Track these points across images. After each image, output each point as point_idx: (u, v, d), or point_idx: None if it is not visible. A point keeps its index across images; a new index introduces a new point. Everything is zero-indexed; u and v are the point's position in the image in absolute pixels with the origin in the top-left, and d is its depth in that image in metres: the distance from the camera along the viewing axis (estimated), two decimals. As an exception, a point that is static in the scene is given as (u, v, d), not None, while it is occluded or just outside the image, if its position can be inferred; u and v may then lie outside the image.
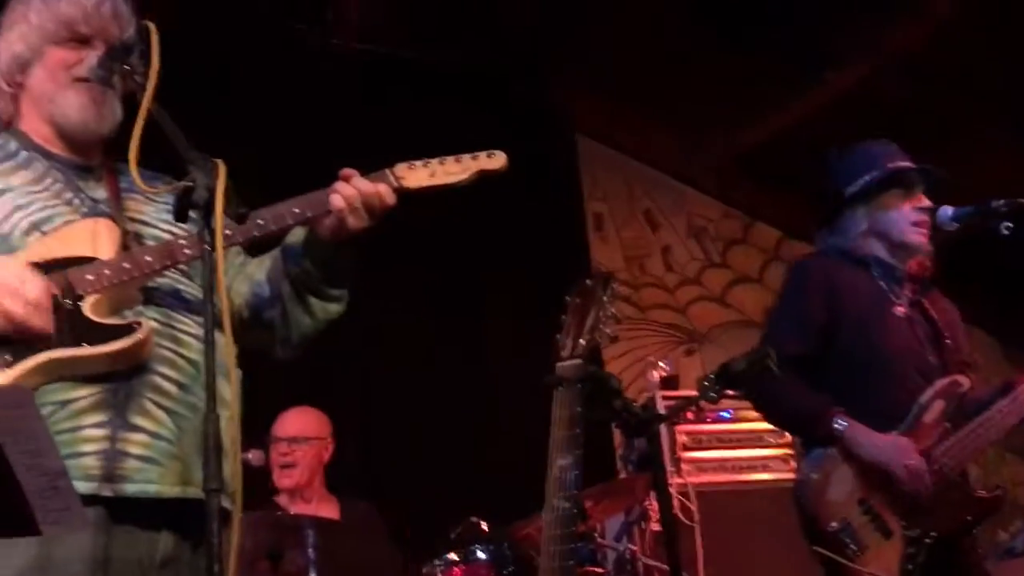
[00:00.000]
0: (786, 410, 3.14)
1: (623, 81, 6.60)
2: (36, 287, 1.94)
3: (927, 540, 2.87)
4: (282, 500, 4.23)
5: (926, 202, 3.12)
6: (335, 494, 4.37)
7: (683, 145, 7.12)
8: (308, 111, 5.68)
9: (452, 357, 5.88)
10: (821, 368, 3.09)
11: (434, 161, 2.19)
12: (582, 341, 2.11)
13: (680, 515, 4.53)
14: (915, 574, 2.84)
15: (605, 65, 6.42)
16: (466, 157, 2.20)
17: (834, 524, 2.88)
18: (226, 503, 1.84)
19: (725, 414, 4.93)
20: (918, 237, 3.10)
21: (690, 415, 4.93)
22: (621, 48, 6.21)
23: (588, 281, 2.20)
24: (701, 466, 4.82)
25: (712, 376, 2.07)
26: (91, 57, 2.17)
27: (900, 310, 3.10)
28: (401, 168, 2.19)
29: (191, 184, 1.83)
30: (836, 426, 2.93)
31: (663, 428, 4.83)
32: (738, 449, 4.90)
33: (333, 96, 5.80)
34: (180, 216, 1.87)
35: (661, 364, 5.02)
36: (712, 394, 2.05)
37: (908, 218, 3.10)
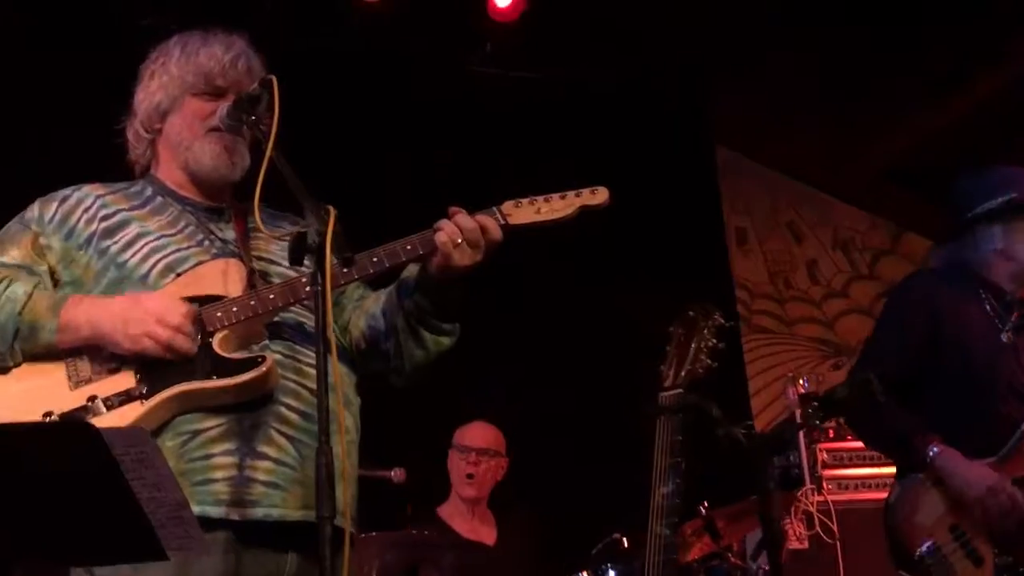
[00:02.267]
0: (881, 433, 3.11)
1: (766, 92, 6.52)
2: (179, 313, 2.11)
3: (1021, 569, 2.80)
4: (445, 512, 4.36)
5: None
6: (496, 517, 4.50)
7: (828, 155, 6.98)
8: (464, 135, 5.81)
9: (595, 374, 5.91)
10: (919, 390, 3.05)
11: (540, 198, 2.27)
12: (684, 371, 2.14)
13: (821, 533, 4.47)
14: None
15: (746, 76, 6.36)
16: (570, 194, 2.28)
17: (923, 549, 2.83)
18: (350, 527, 1.96)
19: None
20: None
21: (832, 432, 4.85)
22: (763, 58, 6.14)
23: (691, 312, 2.23)
24: (842, 483, 4.73)
25: (816, 403, 2.07)
26: (222, 108, 2.32)
27: (1005, 336, 3.01)
28: (508, 205, 2.27)
29: (304, 231, 1.95)
30: (929, 452, 2.88)
31: (803, 445, 4.77)
32: (879, 467, 4.78)
33: (488, 121, 5.93)
34: (295, 260, 2.00)
35: (800, 381, 4.95)
36: (816, 421, 2.05)
37: None
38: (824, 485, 4.69)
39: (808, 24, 5.87)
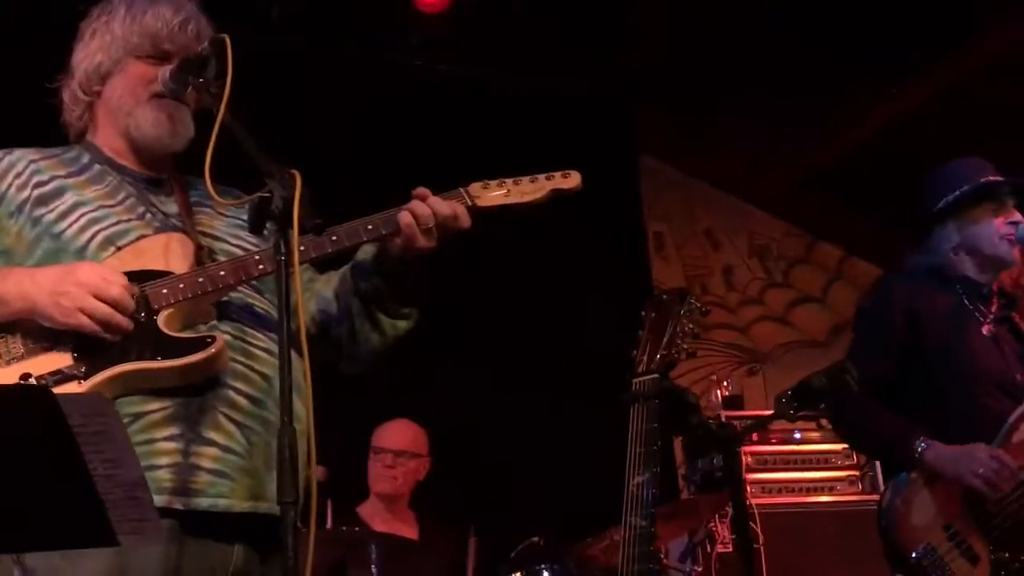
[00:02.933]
0: (868, 434, 3.10)
1: (686, 100, 6.55)
2: (117, 285, 1.95)
3: (1016, 565, 2.79)
4: (365, 511, 4.23)
5: (1018, 216, 3.06)
6: (416, 514, 4.38)
7: (746, 164, 7.05)
8: (389, 130, 5.70)
9: (514, 378, 5.85)
10: (902, 391, 3.04)
11: (508, 181, 2.19)
12: (658, 356, 2.07)
13: (744, 537, 4.46)
14: None
15: (669, 86, 6.38)
16: (541, 177, 2.20)
17: (918, 551, 2.82)
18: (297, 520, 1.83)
19: (796, 435, 4.85)
20: (1008, 252, 3.04)
21: (756, 436, 4.86)
22: (685, 68, 6.16)
23: (664, 296, 2.16)
24: (766, 487, 4.75)
25: (790, 392, 2.02)
26: (165, 70, 2.17)
27: (986, 329, 3.03)
28: (475, 187, 2.18)
29: (267, 195, 1.82)
30: (918, 448, 2.87)
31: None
32: (804, 471, 4.82)
33: (412, 115, 5.83)
34: (256, 227, 1.87)
35: (724, 383, 4.95)
36: (790, 411, 2.00)
37: (998, 231, 3.04)
38: (748, 489, 4.69)
39: (731, 32, 5.91)
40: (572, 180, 2.21)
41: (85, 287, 1.93)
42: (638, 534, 1.92)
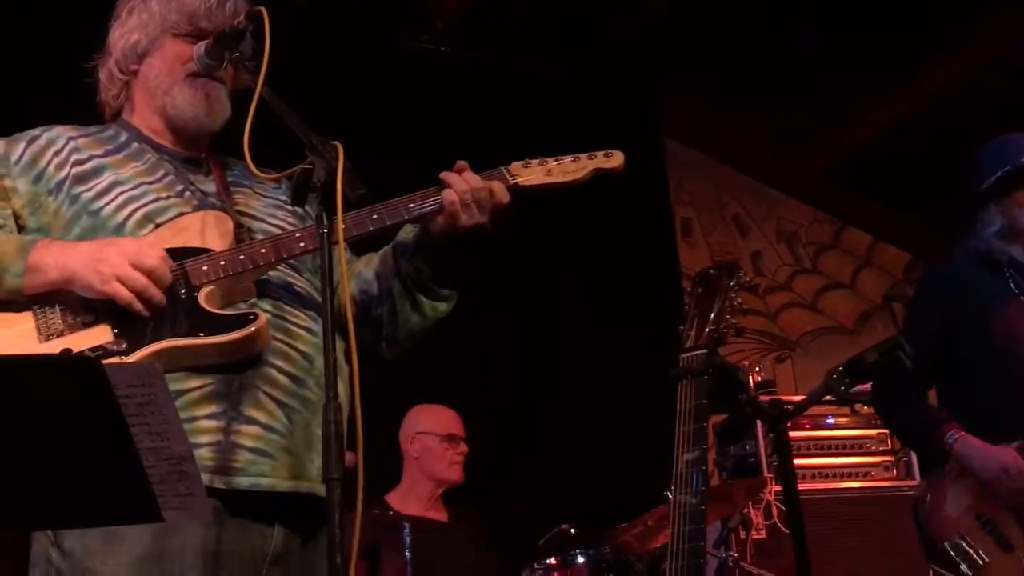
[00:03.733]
0: (902, 422, 3.11)
1: (716, 85, 6.50)
2: (156, 256, 1.93)
3: None
4: (394, 499, 4.20)
5: None
6: (444, 501, 4.35)
7: (774, 149, 6.99)
8: (413, 116, 5.67)
9: (540, 363, 5.82)
10: (944, 378, 3.01)
11: (550, 160, 2.16)
12: (707, 331, 2.02)
13: (778, 522, 4.41)
14: None
15: (696, 70, 6.32)
16: (583, 156, 2.17)
17: (950, 540, 2.80)
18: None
19: (828, 420, 4.80)
20: None
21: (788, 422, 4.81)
22: (713, 52, 6.10)
23: (712, 270, 2.12)
24: (799, 473, 4.69)
25: (841, 368, 1.97)
26: (200, 46, 2.14)
27: None
28: (516, 166, 2.15)
29: (309, 166, 1.79)
30: (948, 440, 2.85)
31: (760, 434, 4.72)
32: (838, 456, 4.77)
33: (436, 101, 5.79)
34: (298, 199, 1.84)
35: (757, 368, 4.90)
36: (841, 387, 1.95)
37: None
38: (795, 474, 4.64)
39: (759, 20, 5.85)
40: (615, 160, 2.18)
41: (125, 255, 1.91)
42: (688, 512, 1.88)
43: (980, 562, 2.76)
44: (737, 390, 1.98)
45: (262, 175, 2.00)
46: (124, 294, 1.90)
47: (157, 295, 1.92)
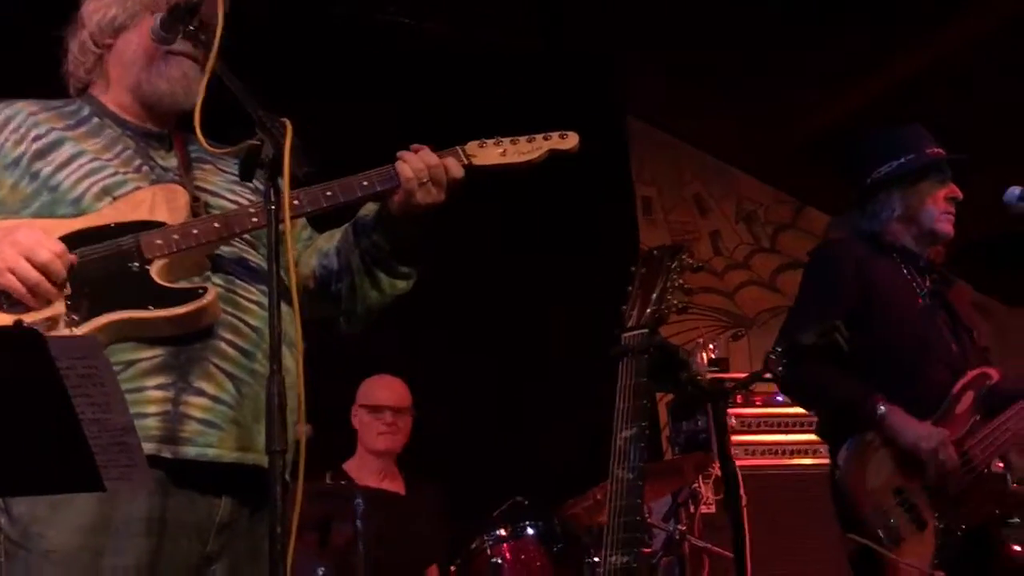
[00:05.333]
0: (826, 394, 3.07)
1: (678, 64, 6.53)
2: (50, 251, 1.90)
3: (958, 533, 2.81)
4: (352, 468, 4.23)
5: (958, 192, 3.08)
6: (402, 472, 4.38)
7: (736, 129, 7.04)
8: (373, 88, 5.67)
9: (501, 337, 5.86)
10: (849, 357, 3.02)
11: (506, 140, 2.19)
12: (648, 311, 2.06)
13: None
14: (947, 565, 2.77)
15: (660, 47, 6.35)
16: (538, 137, 2.20)
17: (868, 511, 2.83)
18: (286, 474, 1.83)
19: (778, 397, 4.87)
20: (947, 227, 3.06)
21: (740, 399, 4.88)
22: (678, 31, 6.13)
23: (655, 251, 2.16)
24: (749, 449, 4.78)
25: (779, 349, 2.02)
26: (156, 18, 2.14)
27: (925, 300, 3.04)
28: (472, 146, 2.18)
29: (258, 142, 1.81)
30: (879, 410, 2.87)
31: (710, 410, 4.78)
32: (787, 433, 4.85)
33: (398, 73, 5.79)
34: (246, 174, 1.86)
35: (710, 346, 4.97)
36: (779, 368, 2.00)
37: (941, 207, 3.05)
38: (731, 451, 4.71)
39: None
40: (570, 141, 2.21)
41: (18, 247, 1.90)
42: (625, 487, 1.92)
43: (899, 536, 2.80)
44: (678, 369, 2.02)
45: (215, 149, 2.01)
46: (17, 287, 1.89)
47: (50, 291, 1.91)
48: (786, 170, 7.21)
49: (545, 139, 2.20)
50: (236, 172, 2.21)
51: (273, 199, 1.79)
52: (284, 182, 1.76)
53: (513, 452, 5.51)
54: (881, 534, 2.80)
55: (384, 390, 4.32)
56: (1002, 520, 2.89)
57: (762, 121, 6.80)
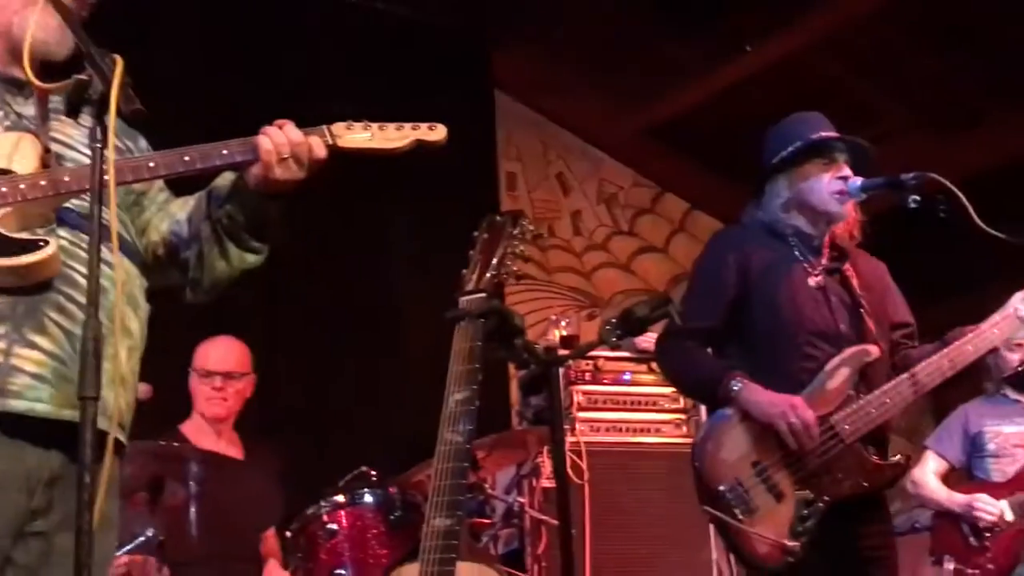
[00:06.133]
0: (688, 374, 3.15)
1: (547, 42, 6.56)
2: None
3: (820, 504, 2.87)
4: (189, 430, 4.12)
5: (847, 171, 3.08)
6: (240, 435, 4.28)
7: (602, 111, 7.11)
8: (237, 51, 5.56)
9: (359, 309, 5.81)
10: (728, 340, 3.10)
11: (374, 125, 2.15)
12: (487, 276, 2.06)
13: (571, 473, 4.53)
14: (804, 536, 2.83)
15: (530, 24, 6.36)
16: (407, 126, 2.17)
17: (725, 485, 2.88)
18: (119, 434, 1.82)
19: (625, 376, 4.95)
20: (838, 206, 3.09)
21: (588, 376, 4.94)
22: (546, 7, 6.15)
23: (497, 217, 2.15)
24: (595, 426, 4.83)
25: (614, 320, 2.04)
26: None
27: (814, 280, 3.08)
28: (339, 127, 2.14)
29: (86, 79, 1.74)
30: (732, 387, 2.93)
31: (560, 385, 4.83)
32: (633, 412, 4.92)
33: (262, 34, 5.67)
34: (72, 111, 1.79)
35: (563, 323, 5.01)
36: (613, 339, 2.02)
37: (828, 187, 3.07)
38: (576, 426, 4.77)
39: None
40: (437, 133, 2.18)
41: None
42: (453, 450, 1.92)
43: (754, 508, 2.86)
44: (513, 334, 2.02)
45: (43, 85, 1.93)
46: None
47: None
48: (646, 155, 7.32)
49: (413, 128, 2.17)
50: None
51: (99, 136, 1.72)
52: (110, 122, 1.69)
53: (366, 423, 5.49)
54: (735, 506, 2.85)
55: (214, 354, 4.19)
56: (868, 494, 2.94)
57: (623, 104, 6.89)
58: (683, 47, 6.31)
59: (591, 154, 7.35)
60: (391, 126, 2.16)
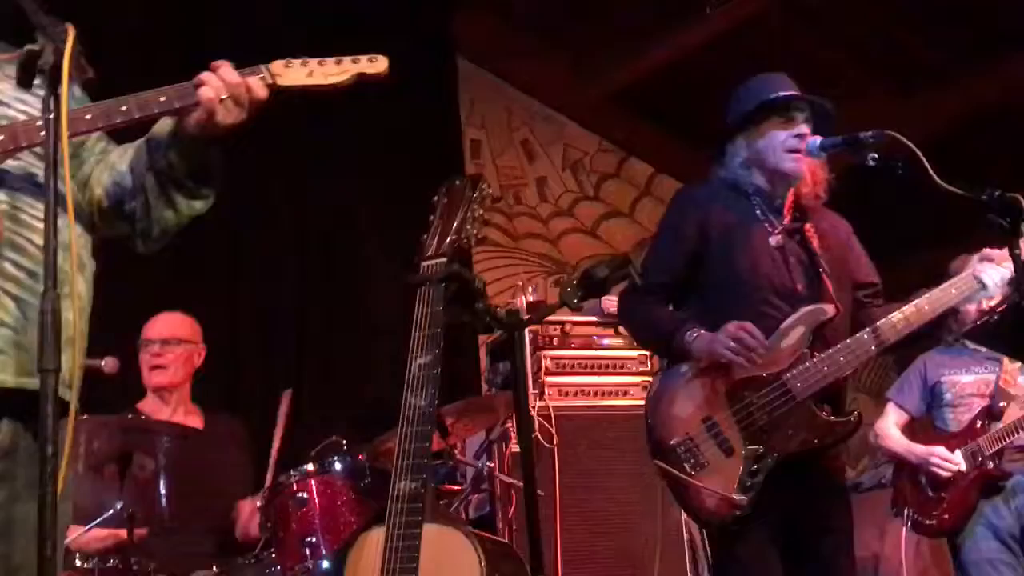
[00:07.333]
0: (647, 328, 3.18)
1: (510, 7, 6.53)
2: None
3: (769, 460, 2.89)
4: (145, 407, 4.11)
5: (804, 129, 3.09)
6: (200, 407, 4.27)
7: (565, 76, 7.09)
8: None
9: (325, 278, 5.80)
10: (689, 297, 3.13)
11: (313, 61, 2.12)
12: (448, 241, 2.06)
13: (540, 437, 4.55)
14: (752, 491, 2.86)
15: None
16: (346, 59, 2.13)
17: (676, 439, 2.91)
18: (66, 395, 1.77)
19: (595, 338, 4.97)
20: (792, 164, 3.09)
21: (556, 340, 4.95)
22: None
23: (457, 182, 2.15)
24: (563, 390, 4.86)
25: (575, 281, 2.05)
26: None
27: (774, 239, 3.10)
28: (277, 65, 2.10)
29: (38, 48, 1.72)
30: (687, 338, 2.96)
31: (528, 353, 4.85)
32: (600, 375, 4.95)
33: None
34: (24, 82, 1.76)
35: (529, 289, 5.02)
36: (574, 300, 2.03)
37: (783, 145, 3.08)
38: (546, 391, 4.80)
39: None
40: (378, 65, 2.15)
41: None
42: (416, 414, 1.93)
43: (704, 463, 2.89)
44: (474, 298, 2.03)
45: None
46: None
47: None
48: (610, 120, 7.32)
49: (354, 62, 2.14)
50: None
51: (52, 107, 1.70)
52: (63, 92, 1.67)
53: (338, 393, 5.49)
54: (685, 460, 2.88)
55: (153, 325, 4.20)
56: (820, 450, 2.96)
57: (585, 68, 6.88)
58: (643, 10, 6.30)
59: (555, 120, 7.34)
60: (330, 60, 2.12)
